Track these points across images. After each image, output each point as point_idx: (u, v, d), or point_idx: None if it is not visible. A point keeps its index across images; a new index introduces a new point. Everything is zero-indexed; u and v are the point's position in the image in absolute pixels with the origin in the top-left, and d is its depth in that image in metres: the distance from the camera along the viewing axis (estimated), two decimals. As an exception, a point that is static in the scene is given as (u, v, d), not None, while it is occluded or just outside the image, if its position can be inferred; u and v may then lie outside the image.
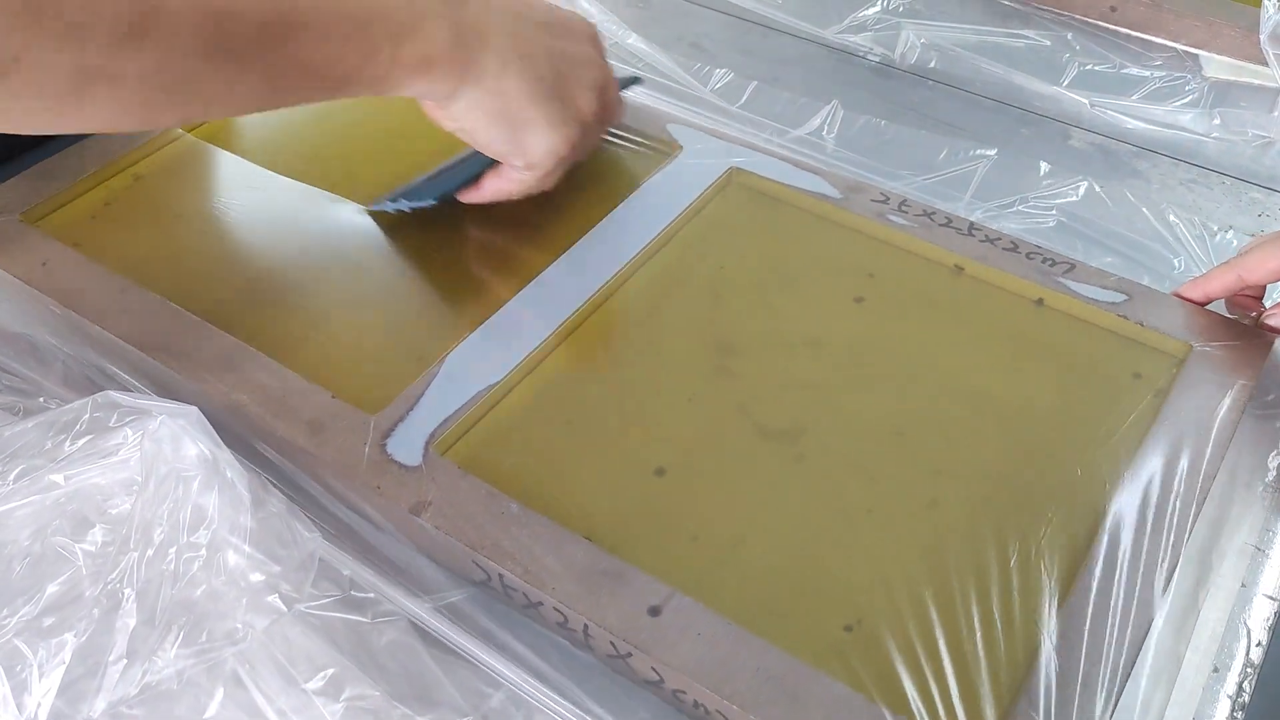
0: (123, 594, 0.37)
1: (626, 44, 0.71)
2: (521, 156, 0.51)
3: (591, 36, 0.53)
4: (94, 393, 0.43)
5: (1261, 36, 0.63)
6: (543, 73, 0.49)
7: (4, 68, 0.34)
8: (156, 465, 0.39)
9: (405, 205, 0.55)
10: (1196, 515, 0.42)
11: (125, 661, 0.37)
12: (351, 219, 0.56)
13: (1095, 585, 0.40)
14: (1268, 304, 0.50)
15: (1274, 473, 0.46)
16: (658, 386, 0.48)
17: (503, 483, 0.43)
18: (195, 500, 0.39)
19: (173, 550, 0.38)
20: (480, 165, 0.53)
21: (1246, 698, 0.40)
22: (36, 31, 0.34)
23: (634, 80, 0.62)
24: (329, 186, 0.58)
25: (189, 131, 0.62)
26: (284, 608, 0.39)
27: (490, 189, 0.53)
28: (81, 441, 0.41)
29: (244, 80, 0.41)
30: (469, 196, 0.54)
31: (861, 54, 0.72)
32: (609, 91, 0.54)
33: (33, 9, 0.34)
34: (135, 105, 0.39)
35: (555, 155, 0.51)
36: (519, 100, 0.48)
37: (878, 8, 0.74)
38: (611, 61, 0.55)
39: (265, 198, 0.58)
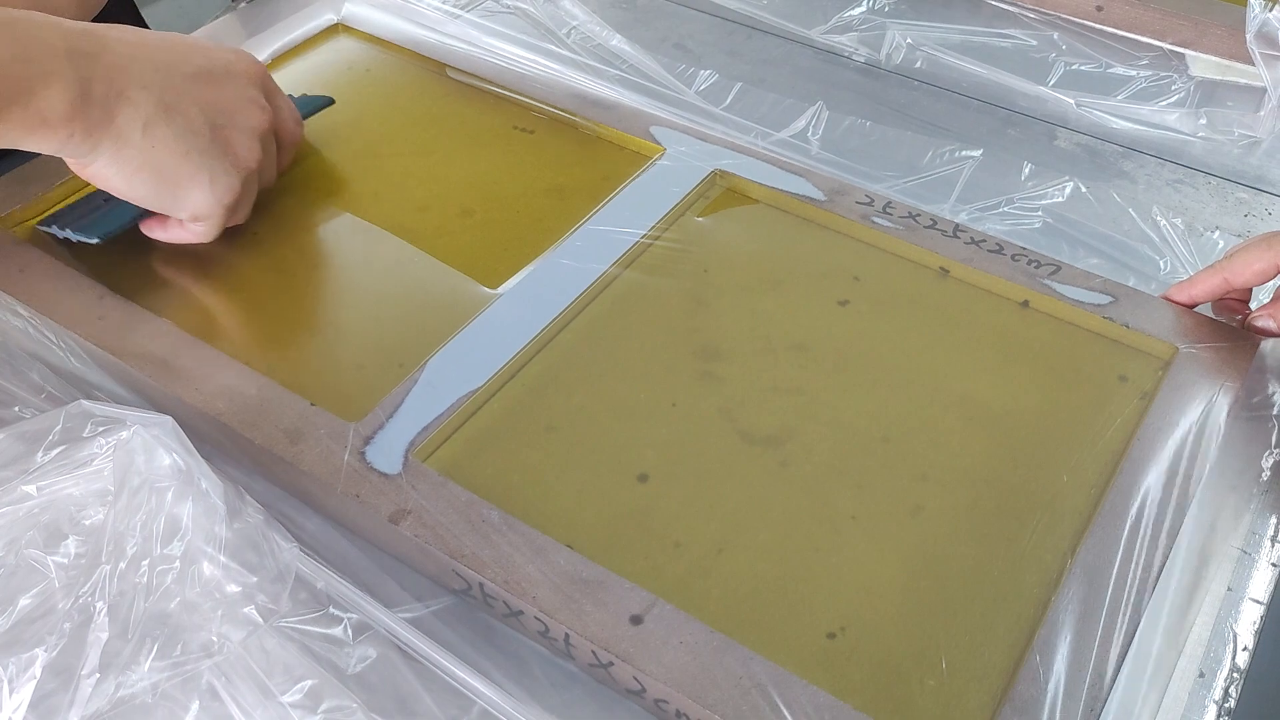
0: (94, 607, 0.37)
1: (611, 45, 0.70)
2: (183, 211, 0.50)
3: (254, 77, 0.53)
4: (69, 401, 0.42)
5: (1248, 35, 0.63)
6: (195, 126, 0.49)
7: None
8: (129, 476, 0.39)
9: (71, 235, 0.52)
10: (1182, 519, 0.42)
11: (98, 675, 0.36)
12: (332, 225, 0.56)
13: (1080, 591, 0.39)
14: (1253, 306, 0.50)
15: (1261, 475, 0.46)
16: (640, 392, 0.48)
17: (483, 490, 0.43)
18: (169, 511, 0.39)
19: (146, 562, 0.38)
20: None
21: (1233, 703, 0.39)
22: None
23: (327, 103, 0.62)
24: (309, 191, 0.57)
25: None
26: (260, 619, 0.38)
27: (174, 235, 0.53)
28: (55, 452, 0.41)
29: None
30: (154, 233, 0.53)
31: (847, 55, 0.72)
32: (276, 133, 0.54)
33: None
34: None
35: (219, 207, 0.51)
36: (170, 157, 0.48)
37: (863, 8, 0.74)
38: (301, 93, 0.57)
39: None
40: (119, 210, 0.52)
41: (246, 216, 0.54)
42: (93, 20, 0.66)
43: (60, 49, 0.44)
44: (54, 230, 0.53)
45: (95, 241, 0.52)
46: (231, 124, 0.51)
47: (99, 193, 0.53)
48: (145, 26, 0.74)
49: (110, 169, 0.47)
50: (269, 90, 0.54)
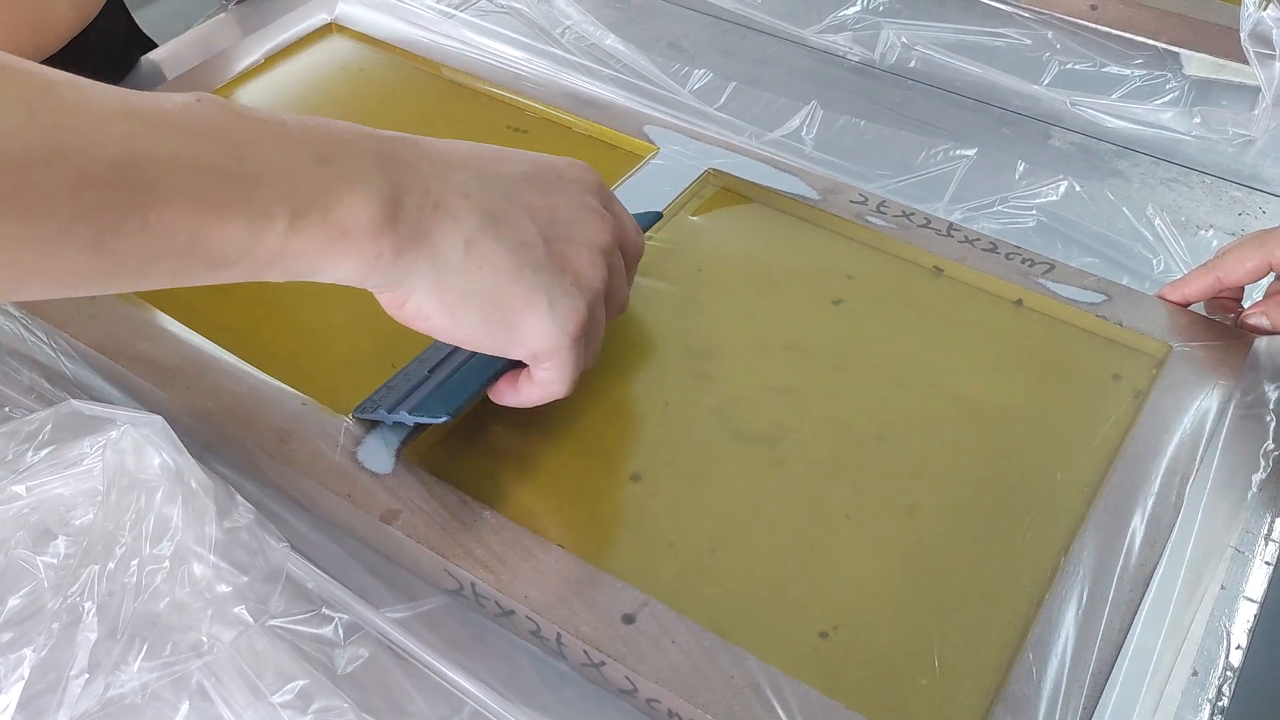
0: (83, 607, 0.36)
1: (605, 45, 0.70)
2: (519, 346, 0.41)
3: (589, 184, 0.44)
4: (59, 401, 0.42)
5: (1242, 34, 0.63)
6: (527, 238, 0.40)
7: None
8: (119, 476, 0.39)
9: (408, 418, 0.44)
10: (1176, 517, 0.42)
11: (87, 676, 0.36)
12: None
13: (1073, 589, 0.39)
14: (1246, 304, 0.50)
15: (1259, 472, 0.46)
16: (634, 391, 0.48)
17: (475, 490, 0.42)
18: (159, 510, 0.39)
19: (135, 562, 0.37)
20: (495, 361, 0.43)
21: (1226, 701, 0.39)
22: None
23: (656, 218, 0.53)
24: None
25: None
26: (251, 619, 0.38)
27: (526, 395, 0.43)
28: (44, 451, 0.40)
29: (61, 253, 0.31)
30: (505, 398, 0.44)
31: (841, 54, 0.72)
32: (618, 249, 0.44)
33: None
34: None
35: (563, 337, 0.40)
36: (500, 277, 0.39)
37: (857, 7, 0.74)
38: (626, 205, 0.46)
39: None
40: (460, 380, 0.44)
41: (597, 357, 0.44)
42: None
43: (369, 153, 0.37)
44: (380, 415, 0.44)
45: (444, 420, 0.43)
46: (569, 236, 0.41)
47: (414, 365, 0.46)
48: (137, 29, 0.74)
49: (431, 301, 0.39)
50: (606, 199, 0.45)
